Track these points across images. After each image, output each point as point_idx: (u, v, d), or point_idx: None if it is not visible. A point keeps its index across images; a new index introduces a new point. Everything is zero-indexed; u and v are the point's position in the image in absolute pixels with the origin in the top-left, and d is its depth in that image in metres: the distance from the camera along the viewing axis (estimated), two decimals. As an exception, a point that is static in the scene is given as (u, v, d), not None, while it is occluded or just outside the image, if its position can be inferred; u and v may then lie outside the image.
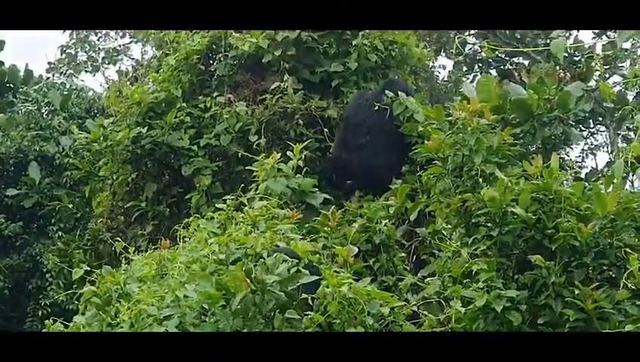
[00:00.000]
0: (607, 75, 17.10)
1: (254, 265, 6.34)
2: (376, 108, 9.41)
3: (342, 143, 9.77)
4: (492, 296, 6.39)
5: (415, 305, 6.91)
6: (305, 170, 9.06)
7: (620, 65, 17.08)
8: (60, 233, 15.06)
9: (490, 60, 18.29)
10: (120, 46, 23.10)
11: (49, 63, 22.50)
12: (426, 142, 7.58)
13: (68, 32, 21.98)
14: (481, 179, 7.07)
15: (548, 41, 16.01)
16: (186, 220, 8.43)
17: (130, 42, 22.84)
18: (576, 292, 6.39)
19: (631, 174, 9.86)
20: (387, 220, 8.36)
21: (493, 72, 18.13)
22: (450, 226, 7.18)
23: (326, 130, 10.38)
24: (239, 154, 10.47)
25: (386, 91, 9.47)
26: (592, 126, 17.41)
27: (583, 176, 15.37)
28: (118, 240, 8.60)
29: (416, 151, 7.71)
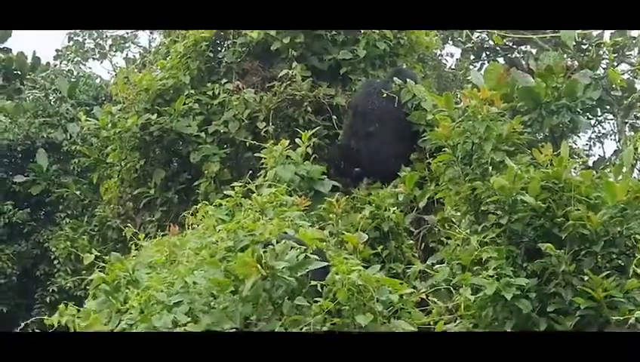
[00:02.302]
0: (616, 64, 17.03)
1: (263, 252, 6.35)
2: (384, 95, 9.40)
3: (350, 131, 9.77)
4: (502, 284, 6.39)
5: (424, 292, 6.91)
6: (313, 157, 9.06)
7: (628, 53, 17.02)
8: (67, 220, 15.10)
9: (498, 48, 18.23)
10: (127, 33, 23.08)
11: (57, 50, 22.49)
12: (435, 129, 7.58)
13: (75, 19, 21.85)
14: (490, 167, 7.07)
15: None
16: (195, 207, 8.44)
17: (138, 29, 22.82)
18: (586, 279, 6.39)
19: (639, 162, 9.84)
20: (396, 208, 8.36)
21: (501, 60, 18.07)
22: (459, 214, 7.18)
23: (334, 117, 10.38)
24: (247, 142, 10.48)
25: (394, 79, 9.47)
26: (599, 114, 17.34)
27: (590, 164, 15.36)
28: (127, 226, 8.60)
29: (425, 138, 7.70)
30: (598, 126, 18.55)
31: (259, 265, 6.24)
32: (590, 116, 13.86)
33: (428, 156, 8.54)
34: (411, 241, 8.42)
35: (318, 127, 9.94)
